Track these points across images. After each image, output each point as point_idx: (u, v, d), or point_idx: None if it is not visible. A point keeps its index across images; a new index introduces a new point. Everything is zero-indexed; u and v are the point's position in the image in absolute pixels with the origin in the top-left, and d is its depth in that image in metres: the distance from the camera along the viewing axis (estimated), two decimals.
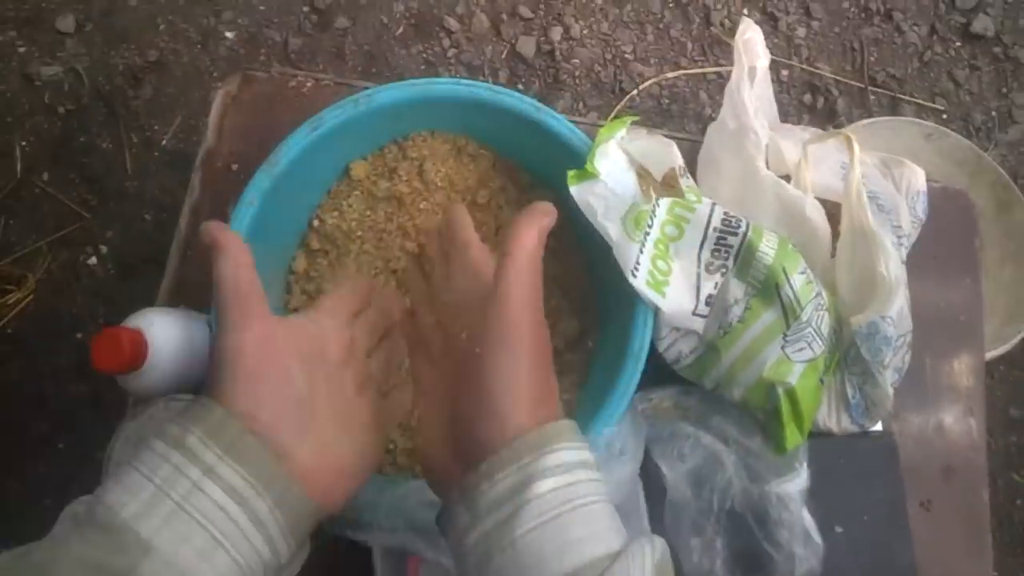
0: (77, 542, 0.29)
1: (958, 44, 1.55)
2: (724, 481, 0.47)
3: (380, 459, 0.41)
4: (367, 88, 0.53)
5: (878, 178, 0.60)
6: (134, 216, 1.37)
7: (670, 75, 1.47)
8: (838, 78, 1.50)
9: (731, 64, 0.58)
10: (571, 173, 0.50)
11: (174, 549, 0.30)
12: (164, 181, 1.37)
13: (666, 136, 0.58)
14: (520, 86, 1.45)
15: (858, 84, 1.50)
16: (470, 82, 0.54)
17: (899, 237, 0.57)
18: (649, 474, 0.50)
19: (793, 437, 0.48)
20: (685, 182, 0.54)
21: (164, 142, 1.39)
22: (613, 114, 1.43)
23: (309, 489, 0.34)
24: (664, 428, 0.49)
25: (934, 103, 1.51)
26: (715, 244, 0.51)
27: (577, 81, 1.46)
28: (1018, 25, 1.56)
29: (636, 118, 0.57)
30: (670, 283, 0.50)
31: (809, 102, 1.49)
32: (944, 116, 1.51)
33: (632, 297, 0.49)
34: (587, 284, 0.57)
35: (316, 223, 0.57)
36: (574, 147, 0.52)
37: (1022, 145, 1.52)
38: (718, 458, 0.48)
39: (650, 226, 0.50)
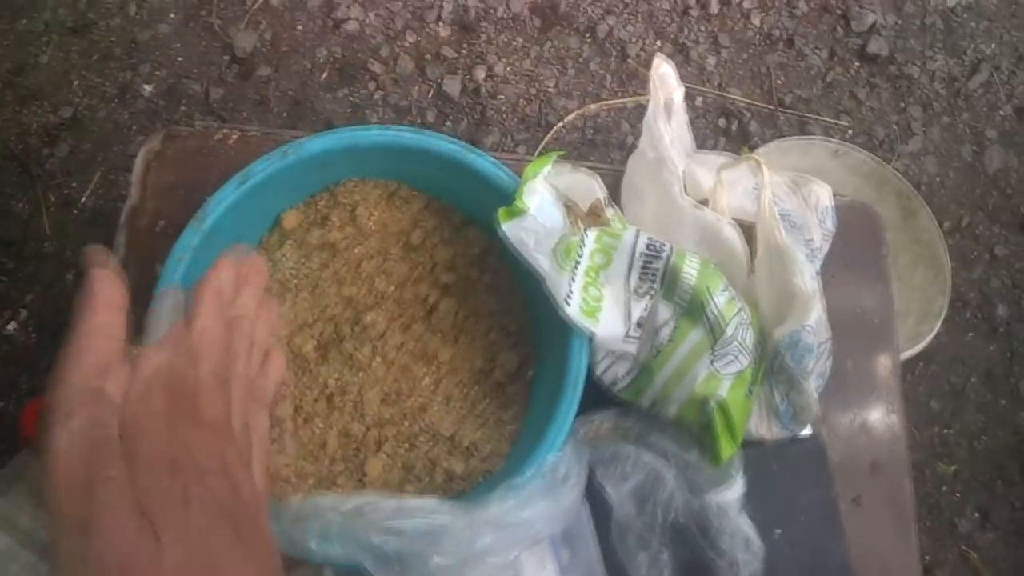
0: None
1: (856, 65, 1.65)
2: (666, 495, 0.49)
3: None
4: (294, 138, 0.54)
5: (788, 196, 0.64)
6: (55, 277, 1.32)
7: (592, 107, 1.52)
8: (749, 102, 1.58)
9: (648, 94, 0.61)
10: (501, 210, 0.52)
11: None
12: (85, 239, 1.33)
13: (589, 168, 0.60)
14: (448, 124, 1.48)
15: (768, 107, 1.58)
16: (398, 128, 0.55)
17: (811, 251, 0.61)
18: (594, 495, 0.51)
19: (727, 448, 0.50)
20: (610, 212, 0.57)
21: (83, 200, 1.35)
22: (540, 147, 1.47)
23: None
24: (606, 450, 0.51)
25: (839, 120, 1.61)
26: (642, 269, 0.53)
27: (504, 117, 1.50)
28: (908, 45, 1.68)
29: (561, 153, 0.59)
30: (602, 309, 0.52)
31: (724, 126, 1.56)
32: (849, 132, 1.60)
33: (567, 326, 0.51)
34: (523, 317, 0.58)
35: None
36: (503, 185, 0.54)
37: (922, 155, 1.62)
38: (659, 474, 0.49)
39: (580, 256, 0.52)
